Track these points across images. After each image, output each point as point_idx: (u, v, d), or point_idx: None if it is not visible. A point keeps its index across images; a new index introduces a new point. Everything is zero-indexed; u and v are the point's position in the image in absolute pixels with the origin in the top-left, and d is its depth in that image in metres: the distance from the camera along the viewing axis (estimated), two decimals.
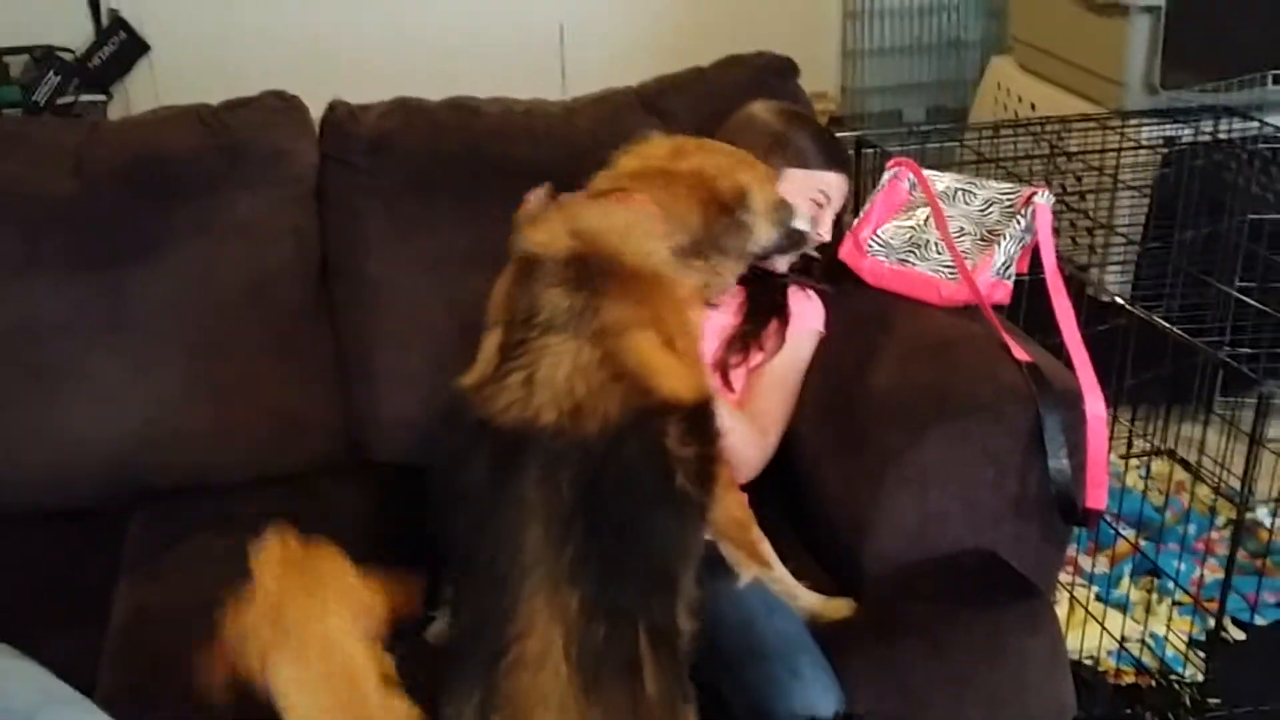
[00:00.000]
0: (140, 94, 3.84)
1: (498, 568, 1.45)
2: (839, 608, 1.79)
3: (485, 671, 1.43)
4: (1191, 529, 2.70)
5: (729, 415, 1.87)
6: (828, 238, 2.08)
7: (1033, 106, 3.37)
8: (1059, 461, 1.78)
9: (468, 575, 1.53)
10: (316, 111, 2.25)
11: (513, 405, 1.51)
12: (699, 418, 1.59)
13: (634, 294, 1.62)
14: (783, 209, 1.90)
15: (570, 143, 2.18)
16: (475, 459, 1.52)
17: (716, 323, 2.02)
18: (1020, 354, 1.85)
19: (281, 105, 2.22)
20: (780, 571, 1.77)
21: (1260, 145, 2.85)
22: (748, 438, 1.95)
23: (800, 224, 1.94)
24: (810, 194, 2.05)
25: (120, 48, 3.84)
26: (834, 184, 2.09)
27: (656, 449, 1.52)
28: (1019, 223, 2.02)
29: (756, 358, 2.03)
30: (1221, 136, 2.84)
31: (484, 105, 2.22)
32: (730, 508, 1.73)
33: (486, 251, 2.04)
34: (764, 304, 2.05)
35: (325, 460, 2.18)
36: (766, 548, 1.78)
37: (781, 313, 2.05)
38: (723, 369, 2.01)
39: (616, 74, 2.41)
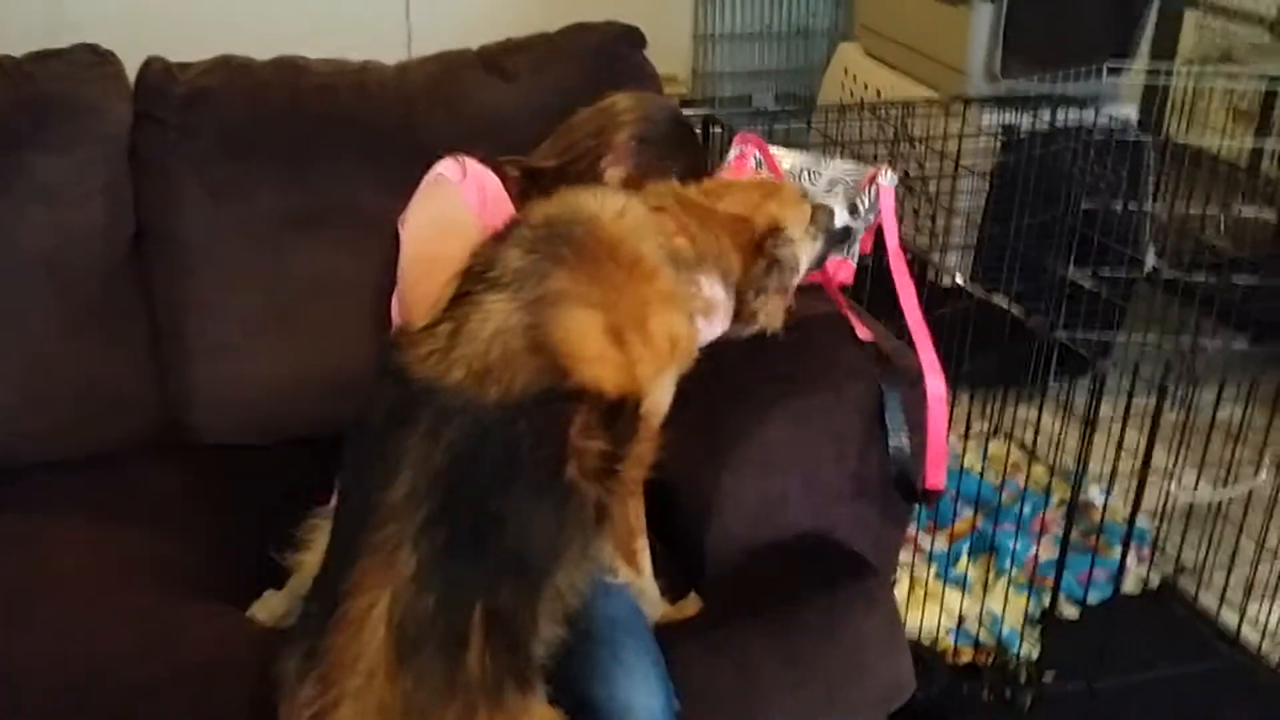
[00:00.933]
0: None
1: (358, 518, 1.39)
2: (686, 608, 1.74)
3: (317, 624, 1.37)
4: (1027, 508, 2.74)
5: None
6: None
7: (878, 92, 3.40)
8: (899, 440, 1.78)
9: (337, 521, 1.46)
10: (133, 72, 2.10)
11: (431, 355, 1.45)
12: (615, 414, 1.49)
13: (593, 271, 1.53)
14: (820, 217, 1.86)
15: (403, 99, 2.08)
16: (379, 403, 1.45)
17: None
18: (863, 333, 1.84)
19: (94, 59, 2.06)
20: (649, 582, 1.72)
21: (1095, 135, 2.91)
22: None
23: (843, 220, 1.92)
24: None
25: None
26: None
27: (553, 435, 1.44)
28: (863, 202, 2.00)
29: None
30: (1059, 125, 2.89)
31: (313, 64, 2.10)
32: (626, 514, 1.65)
33: (310, 214, 1.95)
34: None
35: (142, 440, 2.04)
36: (645, 558, 1.71)
37: None
38: None
39: (464, 44, 2.32)
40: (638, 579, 1.70)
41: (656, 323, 1.58)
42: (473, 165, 1.90)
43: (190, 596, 1.68)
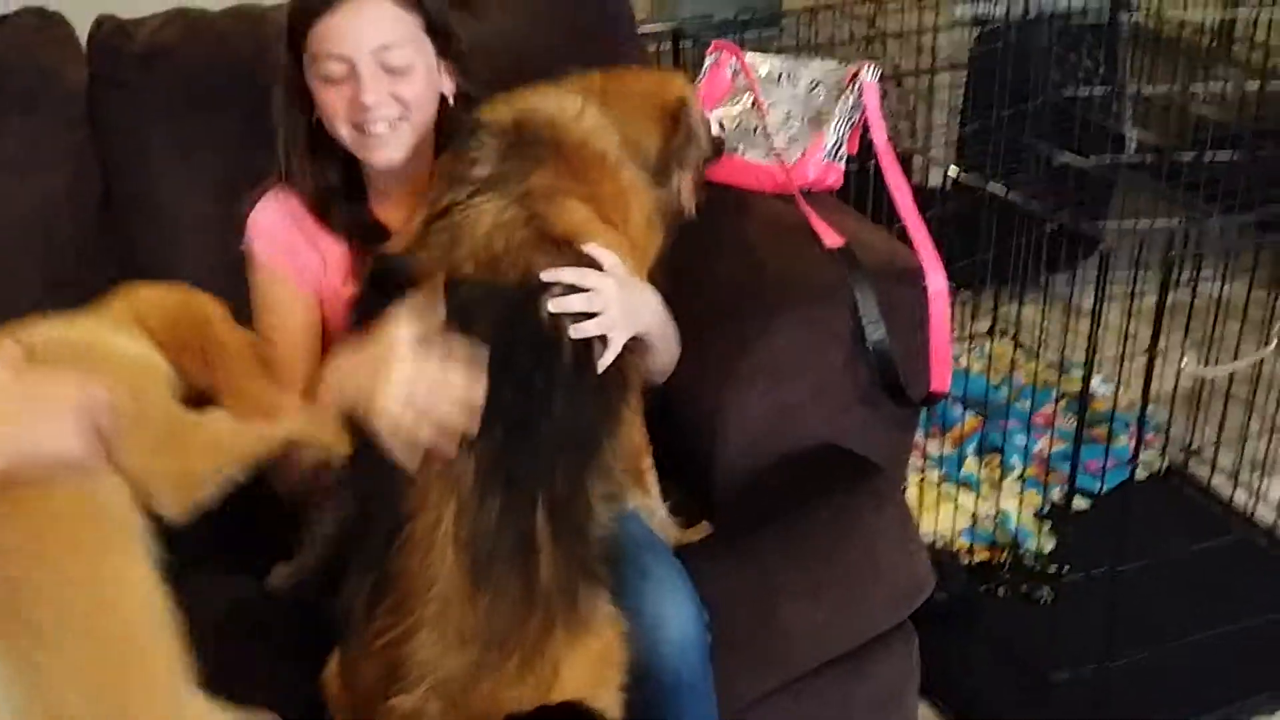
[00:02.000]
0: None
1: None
2: (696, 533, 1.73)
3: (379, 552, 1.32)
4: (1027, 405, 2.73)
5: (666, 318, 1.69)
6: None
7: None
8: (878, 335, 1.75)
9: (363, 444, 1.37)
10: (82, 33, 2.02)
11: (435, 258, 1.43)
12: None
13: (572, 168, 1.54)
14: (706, 117, 1.83)
15: None
16: (378, 305, 1.40)
17: None
18: (831, 239, 1.80)
19: (41, 22, 1.99)
20: (658, 504, 1.70)
21: (1070, 23, 2.87)
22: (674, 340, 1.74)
23: (717, 130, 1.87)
24: None
25: None
26: None
27: (581, 315, 1.44)
28: (846, 101, 1.96)
29: None
30: (1031, 12, 2.84)
31: (270, 12, 2.03)
32: (633, 431, 1.61)
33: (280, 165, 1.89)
34: None
35: None
36: (653, 477, 1.69)
37: None
38: None
39: None
40: (646, 499, 1.68)
41: (634, 213, 1.60)
42: (257, 216, 1.71)
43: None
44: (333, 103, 1.60)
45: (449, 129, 1.67)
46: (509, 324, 1.41)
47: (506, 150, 1.52)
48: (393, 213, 1.70)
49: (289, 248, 1.69)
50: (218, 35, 2.00)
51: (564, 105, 1.60)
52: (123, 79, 1.93)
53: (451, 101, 1.68)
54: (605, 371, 1.47)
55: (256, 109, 1.91)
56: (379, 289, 1.46)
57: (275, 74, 1.70)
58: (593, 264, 1.49)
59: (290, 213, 1.71)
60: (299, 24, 1.60)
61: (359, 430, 1.37)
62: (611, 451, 1.47)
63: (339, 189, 1.70)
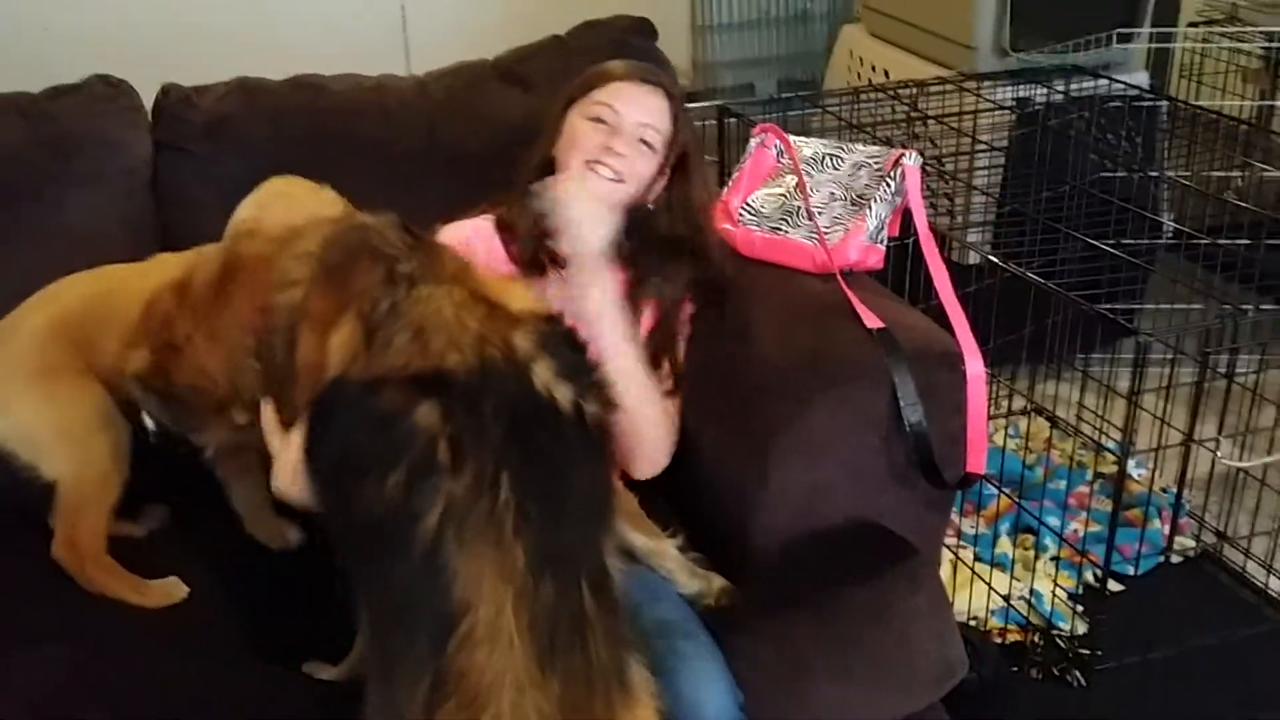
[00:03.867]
0: None
1: (422, 528, 1.32)
2: (716, 586, 1.75)
3: (432, 648, 1.30)
4: (1062, 485, 2.73)
5: (648, 402, 1.83)
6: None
7: (886, 73, 3.38)
8: (915, 416, 1.76)
9: (379, 547, 1.37)
10: (146, 98, 2.10)
11: (409, 360, 1.41)
12: (570, 337, 1.54)
13: (443, 253, 1.59)
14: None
15: (423, 116, 2.08)
16: (365, 424, 1.39)
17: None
18: (871, 320, 1.83)
19: (109, 91, 2.07)
20: (668, 544, 1.72)
21: (1110, 104, 2.90)
22: (661, 423, 1.88)
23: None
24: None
25: None
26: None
27: (569, 367, 1.47)
28: (889, 185, 1.99)
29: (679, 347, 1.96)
30: (1073, 95, 2.88)
31: (329, 83, 2.10)
32: (614, 476, 1.67)
33: None
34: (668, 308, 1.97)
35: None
36: (646, 520, 1.73)
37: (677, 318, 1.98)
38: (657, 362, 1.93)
39: (463, 54, 2.31)
40: (658, 542, 1.71)
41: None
42: (445, 229, 1.91)
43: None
44: (587, 135, 1.89)
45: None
46: (516, 404, 1.41)
47: (399, 236, 1.55)
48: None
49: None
50: (277, 106, 2.08)
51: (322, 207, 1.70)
52: (187, 148, 2.00)
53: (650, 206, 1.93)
54: (591, 423, 1.48)
55: (315, 178, 1.98)
56: (329, 409, 1.45)
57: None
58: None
59: (476, 233, 1.92)
60: (604, 78, 1.93)
61: (376, 530, 1.38)
62: (616, 507, 1.50)
63: (531, 218, 1.88)
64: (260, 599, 1.75)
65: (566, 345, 1.51)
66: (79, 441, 1.77)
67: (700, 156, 2.01)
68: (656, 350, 1.92)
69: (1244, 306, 1.96)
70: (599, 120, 1.91)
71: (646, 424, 1.83)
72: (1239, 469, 2.39)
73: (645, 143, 1.91)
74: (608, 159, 1.88)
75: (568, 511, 1.39)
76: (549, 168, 1.92)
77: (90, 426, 1.78)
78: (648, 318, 1.94)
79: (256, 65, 2.18)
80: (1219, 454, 2.08)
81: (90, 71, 2.10)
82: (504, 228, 1.94)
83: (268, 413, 1.55)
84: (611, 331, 1.78)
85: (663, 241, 1.94)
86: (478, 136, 2.06)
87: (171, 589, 1.76)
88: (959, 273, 2.07)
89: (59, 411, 1.78)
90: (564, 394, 1.44)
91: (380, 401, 1.39)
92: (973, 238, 2.92)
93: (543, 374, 1.44)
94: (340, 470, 1.42)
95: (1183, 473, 1.94)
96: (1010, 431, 2.99)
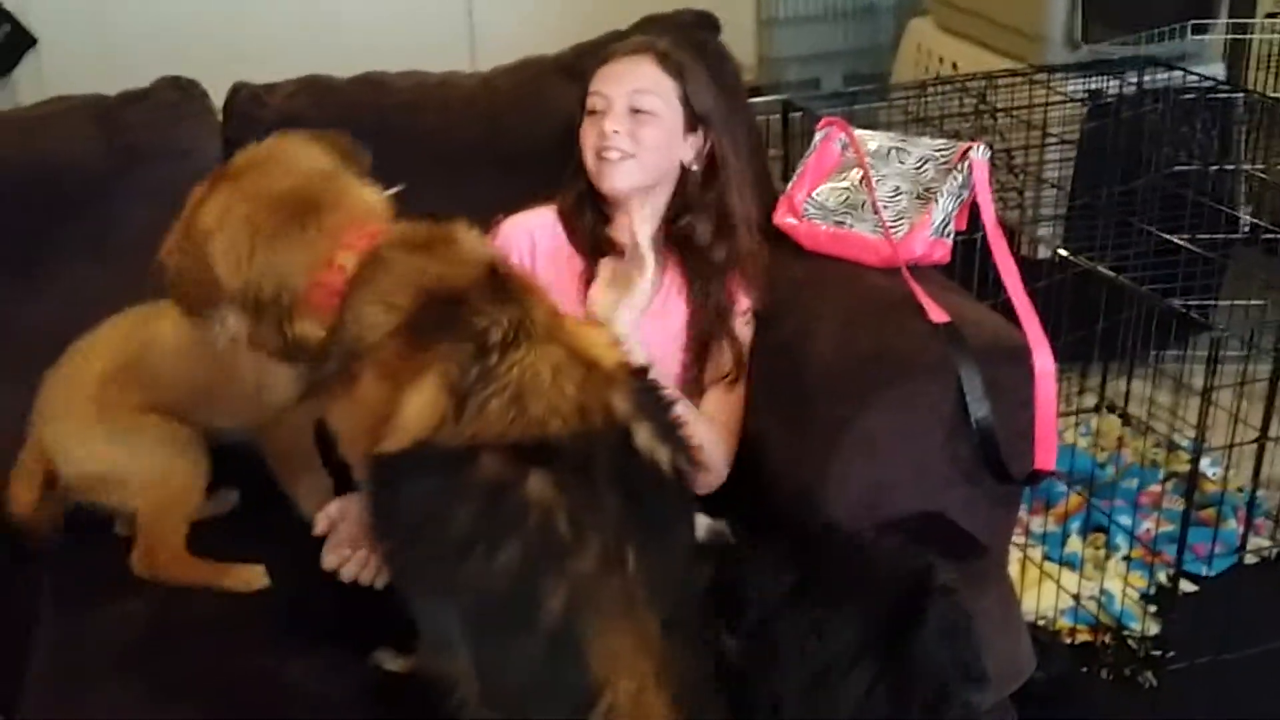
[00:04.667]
0: (28, 91, 3.65)
1: (547, 608, 1.29)
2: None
3: None
4: (1134, 483, 2.69)
5: (702, 425, 1.82)
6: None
7: (954, 66, 3.34)
8: (982, 413, 1.74)
9: (492, 624, 1.35)
10: (215, 97, 2.12)
11: (510, 427, 1.36)
12: (647, 381, 1.51)
13: (515, 289, 1.50)
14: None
15: (488, 114, 2.09)
16: (465, 494, 1.34)
17: (671, 326, 1.94)
18: (937, 314, 1.81)
19: (180, 96, 2.09)
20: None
21: (1185, 96, 2.84)
22: (719, 442, 1.88)
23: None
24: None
25: (5, 40, 3.65)
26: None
27: (659, 429, 1.43)
28: (955, 179, 1.97)
29: (724, 357, 1.94)
30: (1146, 87, 2.82)
31: (395, 80, 2.12)
32: None
33: None
34: (711, 302, 1.95)
35: None
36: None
37: (731, 301, 1.96)
38: (699, 376, 1.94)
39: (528, 50, 2.32)
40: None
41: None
42: (509, 219, 1.94)
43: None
44: (587, 133, 1.89)
45: (684, 199, 1.93)
46: (625, 470, 1.38)
47: (495, 298, 1.46)
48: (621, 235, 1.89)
49: (518, 248, 1.92)
50: (345, 104, 2.09)
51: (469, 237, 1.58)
52: None
53: (693, 171, 1.93)
54: (685, 482, 1.47)
55: (382, 174, 1.99)
56: (416, 475, 1.39)
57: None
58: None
59: (540, 224, 1.95)
60: (590, 70, 1.93)
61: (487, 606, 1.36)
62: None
63: (586, 209, 1.93)
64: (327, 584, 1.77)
65: (657, 402, 1.49)
66: (151, 477, 1.82)
67: (740, 154, 1.98)
68: (705, 339, 1.92)
69: None
70: (592, 112, 1.90)
71: (711, 453, 1.82)
72: None
73: (640, 110, 1.88)
74: (605, 143, 1.86)
75: (680, 575, 1.38)
76: (584, 171, 1.93)
77: (158, 460, 1.82)
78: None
79: (324, 62, 2.21)
80: None
81: (159, 70, 2.13)
82: (566, 219, 1.95)
83: None
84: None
85: (701, 252, 1.94)
86: (539, 132, 2.07)
87: (252, 576, 1.79)
88: (1028, 268, 2.04)
89: (127, 451, 1.82)
90: (664, 455, 1.43)
91: (481, 470, 1.34)
92: (1043, 232, 2.88)
93: (644, 436, 1.42)
94: (428, 537, 1.37)
95: (1257, 471, 1.90)
96: (1081, 429, 2.95)
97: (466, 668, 1.35)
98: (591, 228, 1.93)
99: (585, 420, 1.37)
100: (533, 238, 1.94)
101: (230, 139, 2.04)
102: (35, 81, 3.64)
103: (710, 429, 1.86)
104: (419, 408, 1.39)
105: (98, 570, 1.82)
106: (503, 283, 1.48)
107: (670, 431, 1.46)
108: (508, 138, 2.07)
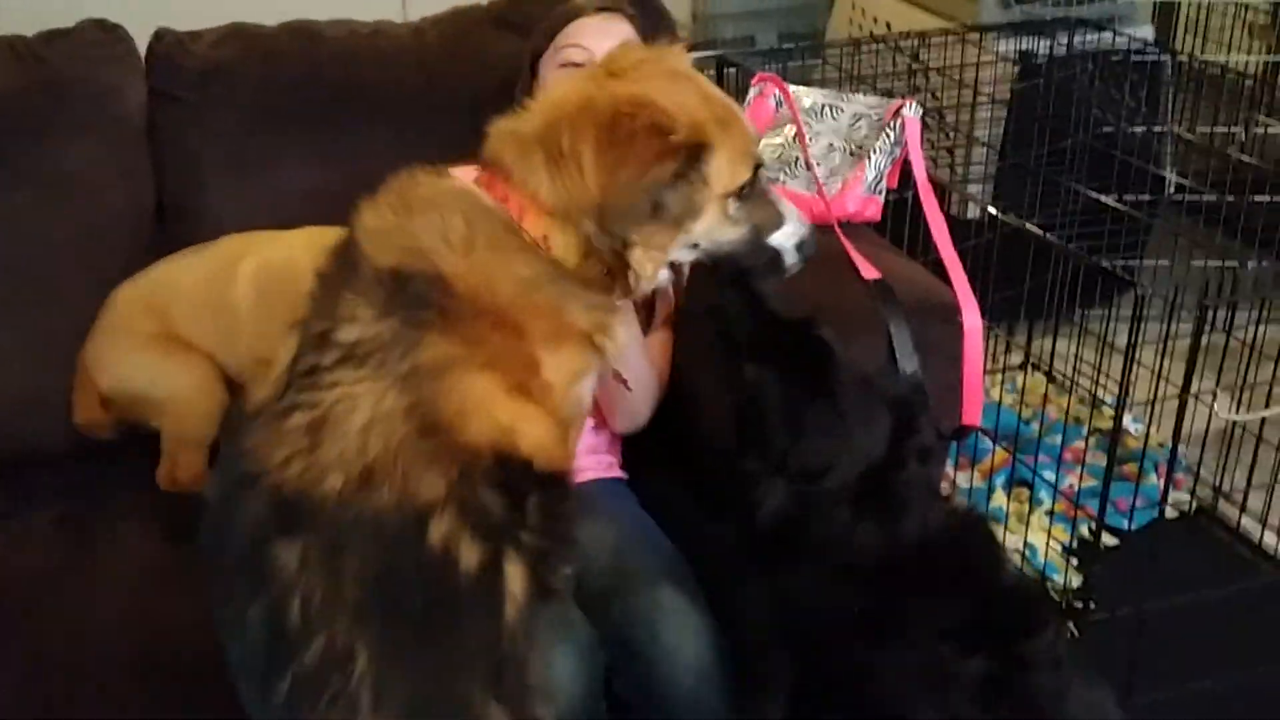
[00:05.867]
0: None
1: (278, 688, 1.18)
2: None
3: None
4: (1058, 439, 2.73)
5: (645, 371, 1.80)
6: None
7: (888, 25, 3.35)
8: (913, 376, 1.76)
9: (250, 673, 1.23)
10: (140, 43, 2.07)
11: (293, 459, 1.20)
12: (552, 489, 1.26)
13: (466, 326, 1.26)
14: (760, 205, 1.42)
15: (420, 63, 2.06)
16: (242, 523, 1.21)
17: None
18: (869, 271, 1.82)
19: (104, 36, 2.04)
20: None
21: (1114, 58, 2.87)
22: (652, 393, 1.86)
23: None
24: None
25: None
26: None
27: (481, 525, 1.20)
28: (888, 136, 1.98)
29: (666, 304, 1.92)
30: (1076, 49, 2.85)
31: (326, 29, 2.08)
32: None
33: (335, 185, 1.94)
34: None
35: None
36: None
37: None
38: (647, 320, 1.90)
39: (458, 1, 2.28)
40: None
41: (552, 371, 1.31)
42: None
43: None
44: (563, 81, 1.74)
45: None
46: (388, 563, 1.18)
47: (387, 304, 1.25)
48: None
49: None
50: (273, 52, 2.06)
51: (450, 234, 1.30)
52: (182, 96, 1.98)
53: None
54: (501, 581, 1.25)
55: (312, 125, 1.97)
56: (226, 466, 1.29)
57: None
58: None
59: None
60: (561, 21, 1.86)
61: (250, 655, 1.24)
62: (536, 659, 1.29)
63: None
64: None
65: (516, 502, 1.23)
66: (170, 403, 1.87)
67: None
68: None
69: (1242, 262, 1.96)
70: (571, 64, 1.82)
71: (639, 399, 1.82)
72: (1234, 423, 2.39)
73: None
74: None
75: (446, 678, 1.20)
76: None
77: (177, 386, 1.86)
78: None
79: (251, 10, 2.16)
80: (1215, 408, 2.07)
81: (82, 15, 2.07)
82: None
83: None
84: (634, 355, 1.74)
85: None
86: (474, 82, 2.04)
87: None
88: (959, 227, 2.06)
89: (148, 376, 1.88)
90: (473, 553, 1.20)
91: (251, 502, 1.21)
92: (973, 190, 2.90)
93: (444, 527, 1.19)
94: (218, 567, 1.26)
95: (1178, 427, 1.94)
96: (1008, 386, 2.99)
97: None
98: None
99: (368, 488, 1.18)
100: None
101: (155, 88, 2.00)
102: None
103: (648, 386, 1.85)
104: (279, 360, 1.28)
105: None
106: (407, 290, 1.25)
107: (506, 533, 1.23)
108: (444, 88, 2.04)
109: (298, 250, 1.75)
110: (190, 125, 1.98)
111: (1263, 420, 2.38)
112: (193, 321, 1.87)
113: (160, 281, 1.92)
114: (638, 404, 1.82)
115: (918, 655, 1.35)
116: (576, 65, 1.81)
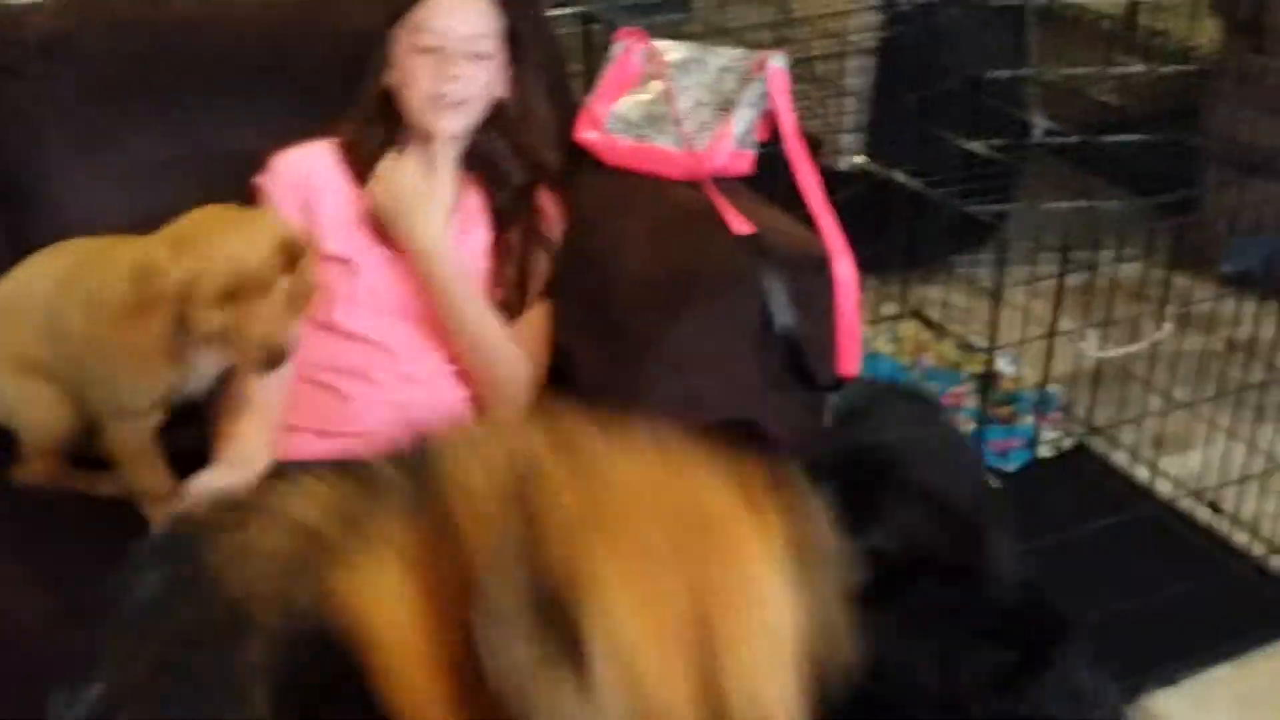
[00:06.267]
0: None
1: None
2: None
3: None
4: (937, 386, 2.77)
5: (510, 349, 1.81)
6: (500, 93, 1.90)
7: None
8: (785, 321, 1.76)
9: None
10: None
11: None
12: None
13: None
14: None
15: (270, 33, 1.99)
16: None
17: (474, 247, 1.89)
18: (741, 225, 1.82)
19: None
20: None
21: (978, 1, 2.90)
22: (525, 364, 1.85)
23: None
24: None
25: None
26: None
27: None
28: (754, 89, 1.97)
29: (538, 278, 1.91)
30: None
31: None
32: None
33: (185, 159, 1.89)
34: (517, 216, 1.91)
35: None
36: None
37: (539, 219, 1.93)
38: (521, 299, 1.90)
39: None
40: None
41: None
42: (281, 157, 1.84)
43: None
44: (418, 69, 1.79)
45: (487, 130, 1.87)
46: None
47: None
48: None
49: (294, 187, 1.82)
50: (117, 21, 1.97)
51: None
52: (18, 69, 1.88)
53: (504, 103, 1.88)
54: None
55: (160, 98, 1.89)
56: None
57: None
58: None
59: (316, 160, 1.85)
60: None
61: None
62: None
63: (379, 138, 1.84)
64: None
65: None
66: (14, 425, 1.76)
67: (538, 70, 1.95)
68: (520, 260, 1.89)
69: (1100, 201, 2.00)
70: (426, 50, 1.79)
71: (503, 377, 1.82)
72: (1102, 360, 2.44)
73: (478, 55, 1.83)
74: (445, 88, 1.79)
75: None
76: (389, 99, 1.84)
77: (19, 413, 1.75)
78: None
79: None
80: (1083, 346, 2.11)
81: None
82: (350, 151, 1.86)
83: None
84: (464, 297, 1.79)
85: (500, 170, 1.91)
86: (325, 53, 1.97)
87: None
88: (831, 177, 2.06)
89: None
90: None
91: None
92: (845, 141, 2.92)
93: None
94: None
95: (1047, 367, 1.98)
96: (886, 335, 3.02)
97: None
98: (381, 158, 1.84)
99: None
100: (308, 175, 1.85)
101: None
102: None
103: (508, 363, 1.84)
104: None
105: None
106: None
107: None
108: (293, 59, 1.97)
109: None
110: (33, 101, 1.87)
111: (1127, 355, 2.43)
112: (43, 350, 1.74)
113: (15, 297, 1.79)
114: (512, 385, 1.83)
115: None
116: (430, 51, 1.79)
